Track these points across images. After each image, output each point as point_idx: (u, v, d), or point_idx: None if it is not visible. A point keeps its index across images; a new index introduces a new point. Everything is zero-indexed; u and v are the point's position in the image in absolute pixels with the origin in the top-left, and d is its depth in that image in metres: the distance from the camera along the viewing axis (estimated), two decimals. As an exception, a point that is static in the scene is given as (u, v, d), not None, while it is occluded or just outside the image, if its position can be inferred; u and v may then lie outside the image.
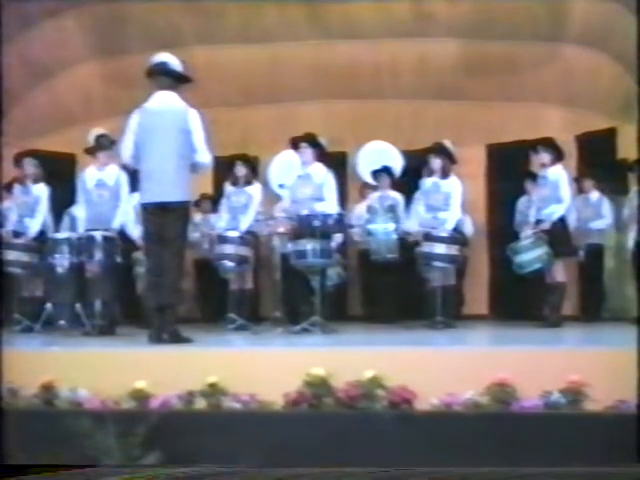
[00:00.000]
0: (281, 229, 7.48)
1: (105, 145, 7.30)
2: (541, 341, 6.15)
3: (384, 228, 8.21)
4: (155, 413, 4.42)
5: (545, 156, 7.74)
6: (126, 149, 6.10)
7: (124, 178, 7.25)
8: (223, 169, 8.39)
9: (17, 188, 7.96)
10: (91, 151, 7.43)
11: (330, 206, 7.25)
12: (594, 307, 8.83)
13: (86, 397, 4.65)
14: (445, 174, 7.84)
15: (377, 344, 6.19)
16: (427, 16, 8.71)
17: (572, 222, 7.90)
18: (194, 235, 8.39)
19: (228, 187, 8.21)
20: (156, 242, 5.91)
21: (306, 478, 4.11)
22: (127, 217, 7.55)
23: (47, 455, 4.33)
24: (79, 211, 7.45)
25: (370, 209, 8.70)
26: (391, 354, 5.02)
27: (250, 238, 7.81)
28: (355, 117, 9.79)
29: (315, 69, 9.47)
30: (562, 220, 7.62)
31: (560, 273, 7.62)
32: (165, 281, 5.84)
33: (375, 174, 9.12)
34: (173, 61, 6.07)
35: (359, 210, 9.21)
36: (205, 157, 6.02)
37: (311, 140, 7.54)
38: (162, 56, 6.07)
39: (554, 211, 7.60)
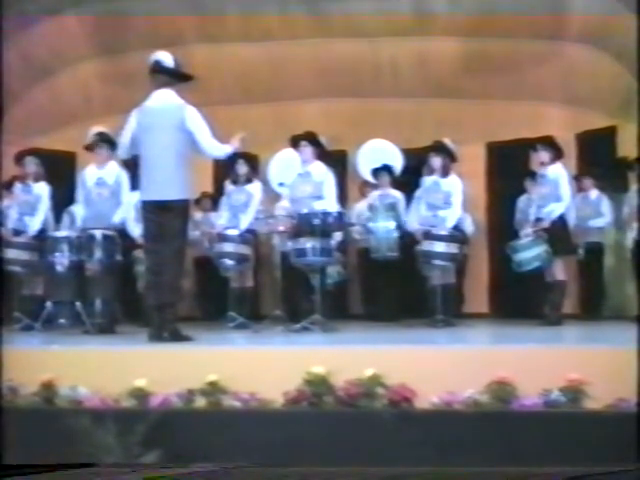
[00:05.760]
0: (281, 227, 7.48)
1: (104, 142, 7.31)
2: (541, 339, 6.15)
3: (384, 226, 8.24)
4: (155, 411, 4.42)
5: (545, 154, 7.73)
6: (121, 146, 6.15)
7: (124, 176, 7.26)
8: (224, 167, 8.40)
9: (18, 186, 7.96)
10: (90, 148, 7.44)
11: (330, 204, 7.24)
12: (594, 305, 8.84)
13: (86, 395, 4.65)
14: (445, 172, 7.84)
15: (377, 342, 6.18)
16: (427, 14, 8.71)
17: (572, 220, 7.88)
18: (194, 233, 8.37)
19: (228, 185, 8.20)
20: (156, 240, 5.90)
21: (306, 477, 4.11)
22: (127, 215, 7.55)
23: (47, 454, 4.33)
24: (79, 209, 7.46)
25: (370, 207, 8.71)
26: (391, 352, 5.02)
27: (250, 236, 7.80)
28: (355, 115, 9.78)
29: (315, 67, 9.47)
30: (562, 218, 7.61)
31: (560, 271, 7.61)
32: (165, 279, 5.83)
33: (375, 172, 9.11)
34: (166, 59, 6.02)
35: (359, 208, 9.21)
36: (218, 150, 6.08)
37: (311, 138, 7.53)
38: (157, 54, 6.06)
39: (554, 209, 7.59)
